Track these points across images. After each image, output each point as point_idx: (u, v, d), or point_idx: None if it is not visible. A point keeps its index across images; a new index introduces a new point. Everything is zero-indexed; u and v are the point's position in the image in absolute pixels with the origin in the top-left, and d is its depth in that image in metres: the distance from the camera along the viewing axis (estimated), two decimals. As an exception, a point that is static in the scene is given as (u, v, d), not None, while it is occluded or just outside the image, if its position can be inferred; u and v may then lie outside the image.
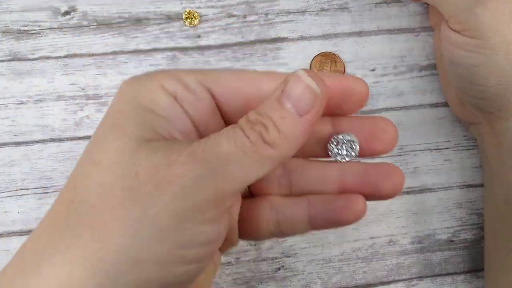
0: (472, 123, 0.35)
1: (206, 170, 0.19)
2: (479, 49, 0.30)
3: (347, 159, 0.23)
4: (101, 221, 0.18)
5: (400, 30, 0.38)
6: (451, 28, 0.31)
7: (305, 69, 0.21)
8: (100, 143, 0.20)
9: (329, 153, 0.24)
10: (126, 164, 0.19)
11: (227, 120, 0.24)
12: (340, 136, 0.23)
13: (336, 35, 0.37)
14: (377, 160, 0.26)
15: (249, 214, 0.25)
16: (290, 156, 0.21)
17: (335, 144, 0.23)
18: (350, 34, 0.37)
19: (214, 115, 0.23)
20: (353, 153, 0.23)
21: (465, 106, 0.34)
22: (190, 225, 0.19)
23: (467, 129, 0.37)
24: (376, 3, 0.38)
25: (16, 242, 0.34)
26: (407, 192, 0.37)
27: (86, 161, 0.20)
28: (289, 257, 0.36)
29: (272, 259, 0.35)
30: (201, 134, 0.23)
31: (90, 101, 0.35)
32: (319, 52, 0.37)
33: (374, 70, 0.37)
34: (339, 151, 0.23)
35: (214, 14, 0.37)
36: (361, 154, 0.23)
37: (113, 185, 0.19)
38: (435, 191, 0.37)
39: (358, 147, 0.23)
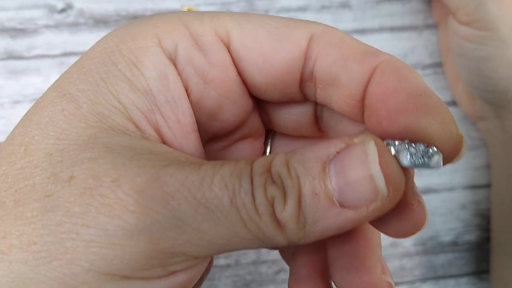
0: (480, 118, 0.34)
1: (168, 216, 0.14)
2: (489, 41, 0.29)
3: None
4: (4, 236, 0.14)
5: (403, 28, 0.37)
6: (459, 21, 0.30)
7: (382, 145, 0.14)
8: (39, 119, 0.15)
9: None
10: (62, 160, 0.14)
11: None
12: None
13: (338, 33, 0.37)
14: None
15: None
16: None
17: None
18: (352, 32, 0.37)
19: (233, 91, 0.17)
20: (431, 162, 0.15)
21: (474, 101, 0.34)
22: (116, 278, 0.14)
23: (475, 125, 0.36)
24: (378, 1, 0.37)
25: None
26: (410, 193, 0.36)
27: (16, 139, 0.15)
28: (289, 259, 0.35)
29: (272, 262, 0.35)
30: (201, 129, 0.17)
31: (87, 100, 0.35)
32: (320, 50, 0.36)
33: (376, 68, 0.37)
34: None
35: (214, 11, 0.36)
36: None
37: (35, 185, 0.14)
38: (439, 192, 0.36)
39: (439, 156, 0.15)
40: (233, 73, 0.16)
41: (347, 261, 0.18)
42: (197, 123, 0.17)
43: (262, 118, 0.20)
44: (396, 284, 0.35)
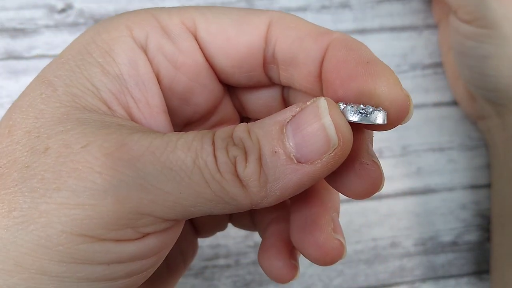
0: (481, 117, 0.34)
1: (133, 177, 0.15)
2: (490, 39, 0.29)
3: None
4: None
5: (403, 28, 0.37)
6: (460, 19, 0.30)
7: (331, 101, 0.16)
8: (22, 103, 0.17)
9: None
10: (39, 135, 0.15)
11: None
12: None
13: (338, 33, 0.37)
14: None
15: None
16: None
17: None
18: (351, 32, 0.37)
19: (202, 76, 0.18)
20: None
21: (474, 100, 0.34)
22: (89, 240, 0.15)
23: (476, 124, 0.36)
24: (378, 1, 0.37)
25: None
26: (410, 193, 0.36)
27: (3, 123, 0.17)
28: (289, 259, 0.35)
29: (272, 261, 0.35)
30: (175, 113, 0.19)
31: (87, 101, 0.35)
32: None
33: (376, 68, 0.37)
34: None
35: (213, 11, 0.36)
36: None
37: (17, 159, 0.15)
38: (439, 192, 0.36)
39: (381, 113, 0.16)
40: (200, 58, 0.18)
41: (302, 222, 0.19)
42: (170, 107, 0.18)
43: (235, 106, 0.21)
44: (396, 284, 0.35)
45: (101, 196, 0.14)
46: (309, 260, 0.19)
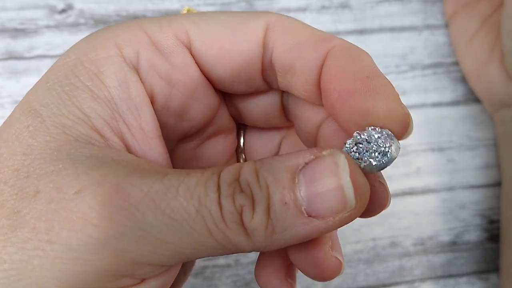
0: (506, 105, 0.33)
1: (132, 228, 0.14)
2: None
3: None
4: None
5: (402, 28, 0.37)
6: None
7: (350, 159, 0.14)
8: (7, 136, 0.15)
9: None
10: (28, 175, 0.14)
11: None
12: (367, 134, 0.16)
13: (337, 33, 0.37)
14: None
15: None
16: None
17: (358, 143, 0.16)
18: (351, 32, 0.37)
19: (198, 91, 0.17)
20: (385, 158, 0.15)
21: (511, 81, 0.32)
22: None
23: (493, 116, 0.35)
24: (378, 1, 0.37)
25: None
26: (410, 193, 0.36)
27: None
28: (289, 259, 0.35)
29: (272, 261, 0.35)
30: (171, 130, 0.18)
31: (87, 101, 0.35)
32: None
33: (375, 68, 0.37)
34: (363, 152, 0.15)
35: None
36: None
37: (5, 202, 0.14)
38: (438, 192, 0.36)
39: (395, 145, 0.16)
40: (196, 73, 0.17)
41: None
42: (166, 125, 0.17)
43: (232, 113, 0.20)
44: (396, 284, 0.35)
45: (97, 250, 0.13)
46: (307, 276, 0.18)
